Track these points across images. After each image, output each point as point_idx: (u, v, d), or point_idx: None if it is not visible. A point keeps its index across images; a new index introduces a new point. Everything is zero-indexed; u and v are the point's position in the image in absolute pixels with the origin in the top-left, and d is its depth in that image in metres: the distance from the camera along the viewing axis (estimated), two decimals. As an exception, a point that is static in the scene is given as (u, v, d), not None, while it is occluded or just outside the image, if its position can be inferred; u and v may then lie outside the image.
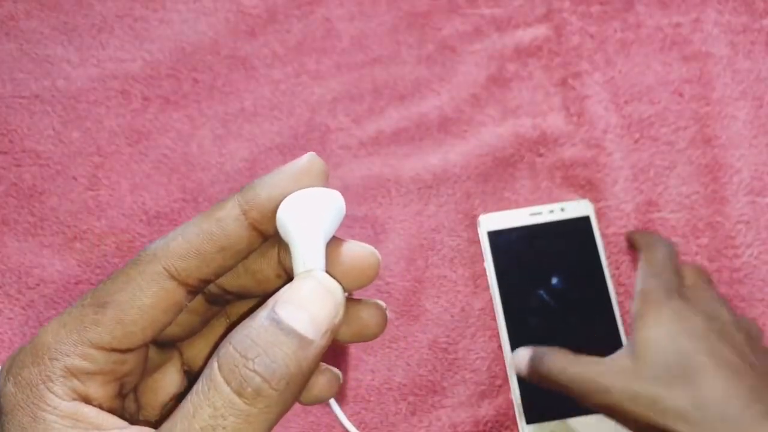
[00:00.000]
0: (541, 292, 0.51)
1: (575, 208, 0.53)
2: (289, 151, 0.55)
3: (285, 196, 0.25)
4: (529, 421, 0.49)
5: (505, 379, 0.51)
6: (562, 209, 0.52)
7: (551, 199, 0.54)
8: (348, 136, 0.56)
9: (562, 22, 0.58)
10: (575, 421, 0.49)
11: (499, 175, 0.54)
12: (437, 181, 0.54)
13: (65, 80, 0.56)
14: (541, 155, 0.55)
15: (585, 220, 0.52)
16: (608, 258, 0.52)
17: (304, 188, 0.25)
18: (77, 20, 0.58)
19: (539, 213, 0.52)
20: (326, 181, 0.26)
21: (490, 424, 0.50)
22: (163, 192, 0.54)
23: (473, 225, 0.53)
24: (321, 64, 0.57)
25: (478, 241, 0.53)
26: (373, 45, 0.58)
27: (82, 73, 0.57)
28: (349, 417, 0.50)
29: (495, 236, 0.52)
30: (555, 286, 0.51)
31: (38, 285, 0.52)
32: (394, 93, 0.57)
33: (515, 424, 0.50)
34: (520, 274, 0.51)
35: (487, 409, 0.50)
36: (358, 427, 0.50)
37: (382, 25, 0.58)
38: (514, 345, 0.50)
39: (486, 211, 0.54)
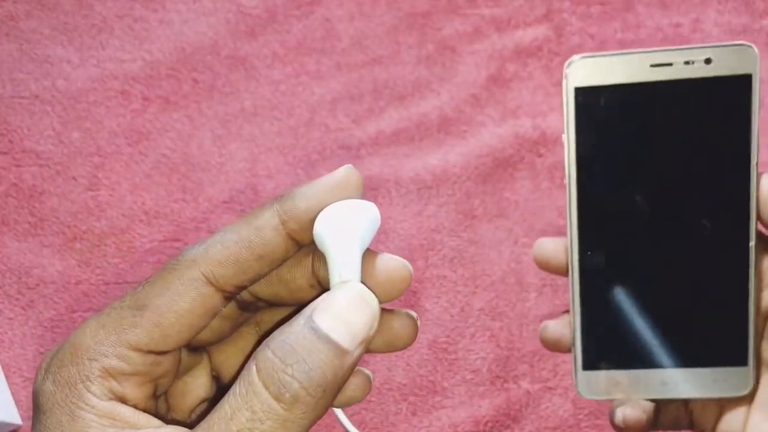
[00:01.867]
0: (645, 192, 0.36)
1: (728, 58, 0.34)
2: (289, 151, 0.55)
3: (322, 208, 0.26)
4: (586, 367, 0.37)
5: (507, 378, 0.50)
6: (708, 60, 0.34)
7: (551, 201, 0.54)
8: (348, 136, 0.56)
9: (562, 22, 0.58)
10: (641, 373, 0.37)
11: (499, 175, 0.54)
12: (437, 181, 0.54)
13: (65, 80, 0.56)
14: (541, 155, 0.55)
15: (742, 81, 0.34)
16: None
17: (340, 200, 0.26)
18: (77, 20, 0.58)
19: (667, 64, 0.35)
20: (363, 193, 0.27)
21: (490, 424, 0.50)
22: (163, 192, 0.54)
23: (473, 225, 0.53)
24: (321, 64, 0.57)
25: (478, 241, 0.53)
26: (373, 45, 0.58)
27: (82, 73, 0.57)
28: (349, 417, 0.50)
29: (587, 97, 0.35)
30: (667, 186, 0.36)
31: (38, 285, 0.52)
32: (394, 93, 0.57)
33: (516, 423, 0.50)
34: (616, 159, 0.36)
35: (487, 409, 0.50)
36: (358, 427, 0.50)
37: (382, 25, 0.58)
38: (589, 267, 0.36)
39: (486, 209, 0.54)
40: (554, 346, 0.37)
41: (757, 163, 0.35)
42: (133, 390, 0.25)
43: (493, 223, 0.54)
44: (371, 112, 0.56)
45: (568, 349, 0.38)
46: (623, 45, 0.57)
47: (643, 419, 0.35)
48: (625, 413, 0.35)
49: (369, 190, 0.54)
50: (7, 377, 0.51)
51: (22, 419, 0.50)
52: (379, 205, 0.54)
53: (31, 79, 0.57)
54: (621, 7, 0.58)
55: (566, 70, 0.35)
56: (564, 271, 0.38)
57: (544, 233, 0.53)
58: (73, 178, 0.54)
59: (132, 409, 0.25)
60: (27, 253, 0.53)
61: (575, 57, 0.35)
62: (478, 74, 0.57)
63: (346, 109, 0.56)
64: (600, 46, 0.57)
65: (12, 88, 0.56)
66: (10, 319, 0.52)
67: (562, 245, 0.37)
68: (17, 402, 0.50)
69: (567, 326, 0.37)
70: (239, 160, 0.55)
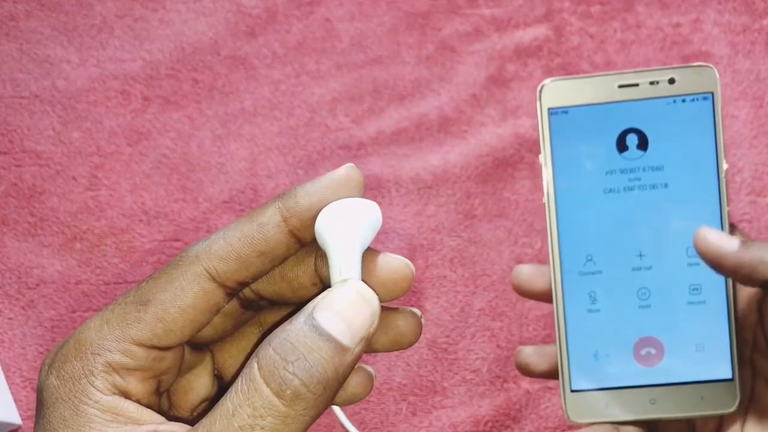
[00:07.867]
0: (622, 208, 0.38)
1: (691, 78, 0.37)
2: (289, 151, 0.55)
3: (324, 205, 0.26)
4: (574, 389, 0.38)
5: (507, 378, 0.50)
6: (671, 80, 0.37)
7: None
8: (348, 136, 0.56)
9: (562, 22, 0.58)
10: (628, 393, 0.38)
11: (499, 175, 0.54)
12: (437, 181, 0.54)
13: (65, 80, 0.57)
14: (541, 155, 0.55)
15: (705, 100, 0.37)
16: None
17: (342, 198, 0.27)
18: (77, 20, 0.58)
19: (633, 85, 0.37)
20: (364, 192, 0.27)
21: (490, 424, 0.50)
22: (163, 192, 0.54)
23: (473, 225, 0.53)
24: (321, 64, 0.57)
25: (478, 241, 0.53)
26: (373, 45, 0.58)
27: (82, 73, 0.57)
28: (349, 417, 0.50)
29: (560, 117, 0.38)
30: (642, 201, 0.37)
31: (38, 285, 0.52)
32: (394, 93, 0.57)
33: (515, 423, 0.50)
34: (591, 173, 0.38)
35: (487, 409, 0.50)
36: (358, 427, 0.50)
37: (382, 25, 0.58)
38: (572, 286, 0.38)
39: (486, 209, 0.54)
40: (524, 370, 0.40)
41: (725, 175, 0.37)
42: (137, 385, 0.25)
43: (493, 223, 0.54)
44: (371, 112, 0.56)
45: (539, 374, 0.40)
46: (623, 45, 0.57)
47: None
48: None
49: (369, 190, 0.54)
50: (7, 377, 0.51)
51: (22, 419, 0.50)
52: (379, 205, 0.54)
53: (31, 79, 0.57)
54: (621, 7, 0.58)
55: (539, 93, 0.38)
56: (539, 297, 0.39)
57: (544, 233, 0.53)
58: (73, 178, 0.54)
59: (135, 405, 0.25)
60: (27, 253, 0.53)
61: (547, 80, 0.38)
62: (478, 74, 0.57)
63: (346, 109, 0.56)
64: (600, 46, 0.57)
65: (12, 88, 0.56)
66: (10, 319, 0.52)
67: (537, 271, 0.39)
68: (17, 402, 0.51)
69: (540, 354, 0.39)
70: (239, 160, 0.55)
